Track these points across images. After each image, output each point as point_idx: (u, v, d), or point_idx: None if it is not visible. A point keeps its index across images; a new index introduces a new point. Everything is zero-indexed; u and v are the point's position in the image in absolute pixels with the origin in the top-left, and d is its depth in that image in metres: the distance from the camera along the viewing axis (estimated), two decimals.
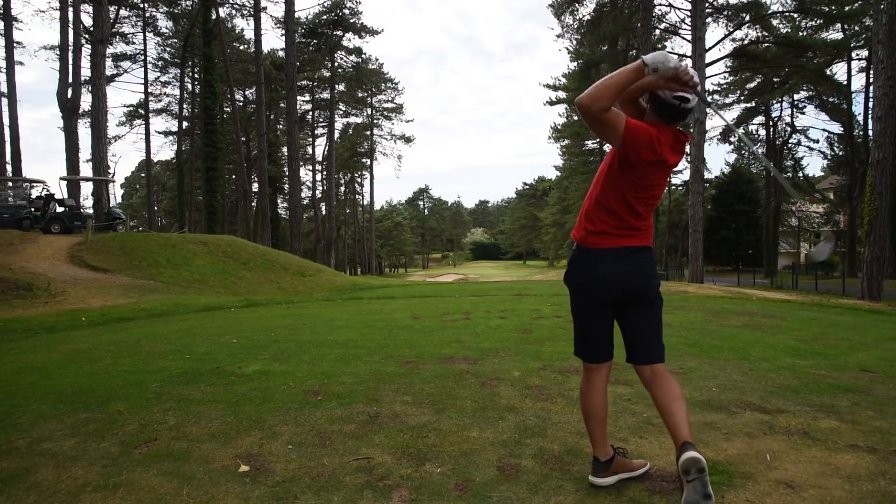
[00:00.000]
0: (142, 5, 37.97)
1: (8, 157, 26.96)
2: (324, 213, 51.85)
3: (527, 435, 2.75)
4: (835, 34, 31.13)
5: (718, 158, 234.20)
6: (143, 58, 39.91)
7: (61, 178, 21.47)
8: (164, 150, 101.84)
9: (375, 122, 55.67)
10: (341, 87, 49.09)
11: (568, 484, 2.22)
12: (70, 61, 24.01)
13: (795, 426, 2.85)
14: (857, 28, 29.22)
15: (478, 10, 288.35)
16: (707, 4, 24.22)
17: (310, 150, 53.97)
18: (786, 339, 5.38)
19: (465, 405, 3.23)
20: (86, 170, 28.03)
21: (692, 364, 4.19)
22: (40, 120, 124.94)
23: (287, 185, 34.64)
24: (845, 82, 34.84)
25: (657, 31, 29.40)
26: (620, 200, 2.07)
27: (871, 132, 22.02)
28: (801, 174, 43.86)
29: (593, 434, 2.23)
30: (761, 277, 33.23)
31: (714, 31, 78.85)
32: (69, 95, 23.74)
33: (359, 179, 66.74)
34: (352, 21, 43.51)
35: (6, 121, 27.30)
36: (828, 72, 32.51)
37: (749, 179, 48.54)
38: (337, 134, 51.92)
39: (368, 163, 58.54)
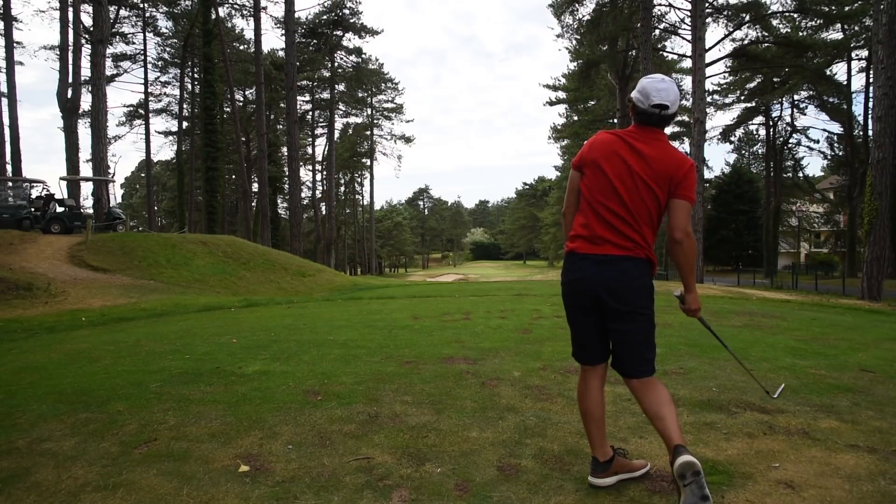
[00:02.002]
0: (142, 5, 37.96)
1: (8, 157, 26.95)
2: (324, 213, 51.86)
3: (527, 435, 2.75)
4: (835, 34, 31.13)
5: (718, 158, 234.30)
6: (143, 58, 39.91)
7: (61, 178, 21.47)
8: (164, 150, 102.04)
9: (375, 122, 55.67)
10: (341, 87, 49.07)
11: (568, 484, 2.22)
12: (70, 61, 24.01)
13: (795, 426, 2.85)
14: (857, 28, 29.21)
15: (478, 10, 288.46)
16: (707, 4, 24.20)
17: (310, 150, 53.97)
18: (786, 339, 5.39)
19: (465, 405, 3.23)
20: (86, 170, 28.06)
21: (692, 364, 4.19)
22: (40, 120, 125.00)
23: (287, 185, 34.61)
24: (845, 82, 34.86)
25: (657, 31, 29.37)
26: (584, 200, 2.20)
27: (871, 132, 22.01)
28: (801, 174, 43.89)
29: (591, 435, 2.23)
30: (761, 277, 33.21)
31: (714, 31, 78.84)
32: (69, 95, 23.74)
33: (359, 179, 66.76)
34: (352, 21, 43.51)
35: (6, 121, 27.30)
36: (828, 72, 32.49)
37: (749, 179, 48.53)
38: (337, 134, 51.94)
39: (368, 163, 58.54)
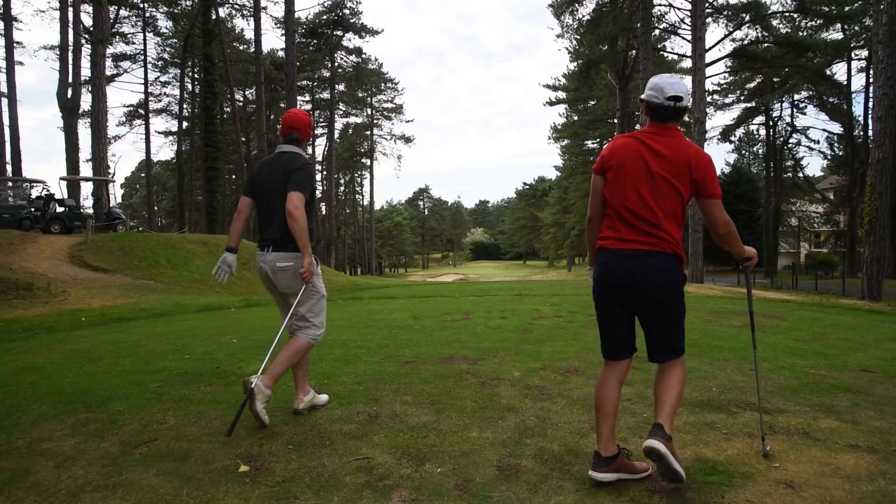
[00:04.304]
0: (142, 5, 37.95)
1: (8, 157, 26.92)
2: (324, 213, 51.86)
3: (527, 435, 2.75)
4: (835, 34, 31.12)
5: (719, 158, 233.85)
6: (143, 58, 39.89)
7: (61, 178, 21.48)
8: (164, 150, 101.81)
9: (375, 122, 55.69)
10: (341, 87, 49.10)
11: (568, 484, 2.22)
12: (70, 61, 24.03)
13: (795, 426, 2.85)
14: (857, 28, 29.19)
15: (478, 10, 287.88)
16: (707, 4, 24.18)
17: (310, 150, 53.98)
18: (786, 339, 5.39)
19: (465, 405, 3.23)
20: (86, 170, 28.11)
21: (692, 364, 4.19)
22: (40, 120, 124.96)
23: None
24: (845, 82, 34.85)
25: (657, 31, 29.35)
26: (609, 205, 2.30)
27: (871, 132, 22.01)
28: (801, 174, 43.89)
29: (600, 428, 2.26)
30: (761, 277, 33.18)
31: (714, 31, 78.81)
32: (69, 95, 23.75)
33: (359, 179, 66.79)
34: (352, 21, 43.54)
35: (6, 121, 27.26)
36: (828, 72, 32.49)
37: (749, 179, 48.47)
38: (337, 134, 51.96)
39: (368, 163, 58.57)
